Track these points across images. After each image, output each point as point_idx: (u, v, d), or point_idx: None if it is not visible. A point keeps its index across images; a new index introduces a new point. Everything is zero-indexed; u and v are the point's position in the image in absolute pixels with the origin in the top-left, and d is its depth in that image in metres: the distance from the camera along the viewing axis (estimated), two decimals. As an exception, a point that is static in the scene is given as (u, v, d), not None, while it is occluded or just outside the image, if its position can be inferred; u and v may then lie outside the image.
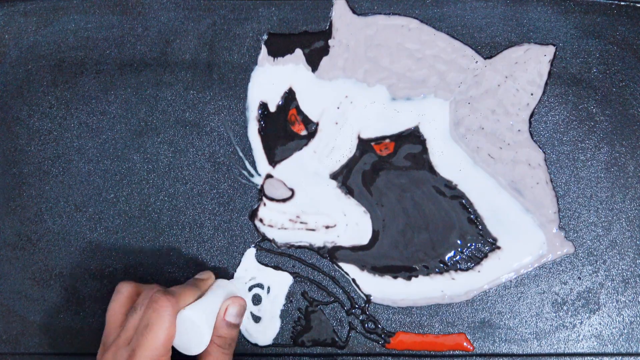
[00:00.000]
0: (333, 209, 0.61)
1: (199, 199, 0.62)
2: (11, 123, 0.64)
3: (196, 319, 0.51)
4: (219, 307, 0.54)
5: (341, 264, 0.61)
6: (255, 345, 0.61)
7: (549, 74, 0.62)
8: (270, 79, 0.63)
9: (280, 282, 0.61)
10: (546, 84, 0.62)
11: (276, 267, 0.62)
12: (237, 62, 0.63)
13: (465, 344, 0.60)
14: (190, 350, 0.52)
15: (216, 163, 0.63)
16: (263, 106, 0.63)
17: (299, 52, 0.63)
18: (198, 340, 0.52)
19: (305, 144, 0.61)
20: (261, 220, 0.62)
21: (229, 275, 0.62)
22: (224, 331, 0.54)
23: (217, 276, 0.59)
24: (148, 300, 0.51)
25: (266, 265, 0.62)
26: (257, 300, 0.62)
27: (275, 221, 0.61)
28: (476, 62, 0.62)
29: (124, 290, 0.54)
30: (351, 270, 0.61)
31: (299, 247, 0.62)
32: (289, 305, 0.61)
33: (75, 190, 0.63)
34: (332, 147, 0.61)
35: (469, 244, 0.61)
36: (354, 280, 0.61)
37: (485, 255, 0.60)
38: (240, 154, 0.62)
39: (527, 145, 0.61)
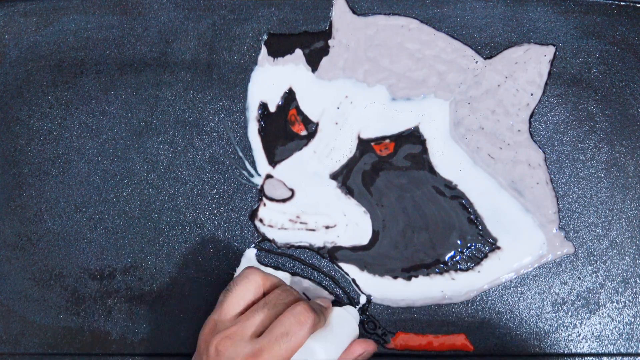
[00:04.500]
0: (333, 209, 0.61)
1: (199, 199, 0.62)
2: (11, 123, 0.64)
3: (320, 352, 0.51)
4: (345, 344, 0.54)
5: (341, 264, 0.61)
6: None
7: (549, 74, 0.62)
8: (270, 79, 0.63)
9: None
10: (546, 84, 0.62)
11: (276, 267, 0.62)
12: (237, 62, 0.63)
13: (465, 344, 0.60)
14: None
15: (216, 163, 0.63)
16: (263, 106, 0.63)
17: (299, 52, 0.63)
18: None
19: (305, 144, 0.61)
20: (261, 221, 0.62)
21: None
22: None
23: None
24: (290, 308, 0.50)
25: (266, 265, 0.62)
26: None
27: (275, 221, 0.61)
28: (476, 62, 0.62)
29: (253, 280, 0.52)
30: (351, 270, 0.61)
31: (299, 247, 0.62)
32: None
33: (75, 190, 0.63)
34: (332, 147, 0.61)
35: (469, 244, 0.61)
36: (354, 280, 0.61)
37: (485, 256, 0.60)
38: (240, 154, 0.62)
39: (527, 146, 0.61)
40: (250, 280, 0.53)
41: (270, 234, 0.62)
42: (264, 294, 0.53)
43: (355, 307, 0.60)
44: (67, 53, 0.64)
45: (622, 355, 0.60)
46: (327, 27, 0.63)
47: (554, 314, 0.60)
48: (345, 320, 0.55)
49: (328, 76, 0.62)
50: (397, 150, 0.61)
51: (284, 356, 0.49)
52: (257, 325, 0.50)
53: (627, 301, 0.60)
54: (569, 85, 0.62)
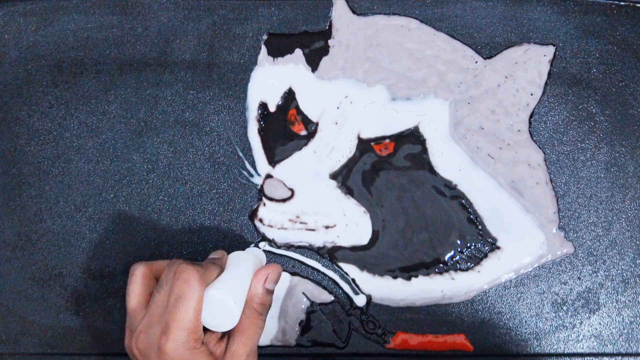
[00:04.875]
0: (333, 209, 0.61)
1: (199, 199, 0.62)
2: (11, 123, 0.64)
3: (222, 297, 0.50)
4: (248, 280, 0.53)
5: (341, 264, 0.61)
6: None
7: (549, 74, 0.62)
8: (270, 79, 0.63)
9: (279, 283, 0.61)
10: (546, 84, 0.62)
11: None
12: (237, 62, 0.63)
13: (465, 343, 0.60)
14: (221, 328, 0.51)
15: (216, 163, 0.63)
16: (263, 106, 0.63)
17: (298, 52, 0.63)
18: (228, 318, 0.51)
19: (305, 144, 0.61)
20: (261, 221, 0.62)
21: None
22: (263, 298, 0.53)
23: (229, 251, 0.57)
24: (174, 273, 0.50)
25: (266, 265, 0.62)
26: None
27: (275, 221, 0.61)
28: (476, 62, 0.62)
29: (138, 272, 0.53)
30: (351, 270, 0.61)
31: (299, 247, 0.62)
32: (288, 305, 0.61)
33: (75, 190, 0.63)
34: (332, 147, 0.61)
35: (468, 244, 0.61)
36: (353, 280, 0.61)
37: (485, 255, 0.60)
38: (240, 154, 0.62)
39: (527, 145, 0.61)
40: (136, 274, 0.53)
41: (270, 233, 0.62)
42: (158, 280, 0.53)
43: (260, 247, 0.60)
44: (67, 53, 0.64)
45: (622, 355, 0.60)
46: (327, 27, 0.63)
47: (554, 314, 0.60)
48: (242, 259, 0.55)
49: (328, 76, 0.62)
50: (397, 150, 0.61)
51: (190, 317, 0.49)
52: (160, 306, 0.50)
53: (627, 301, 0.60)
54: (569, 85, 0.62)
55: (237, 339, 0.52)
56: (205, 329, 0.51)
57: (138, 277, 0.53)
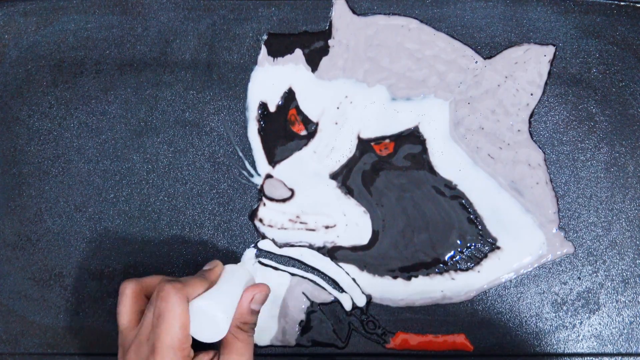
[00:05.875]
0: (333, 209, 0.61)
1: (199, 199, 0.62)
2: (11, 123, 0.64)
3: (208, 308, 0.51)
4: (238, 294, 0.54)
5: (341, 264, 0.61)
6: (255, 345, 0.61)
7: (549, 74, 0.62)
8: (270, 79, 0.63)
9: (279, 283, 0.61)
10: (546, 84, 0.62)
11: (276, 268, 0.61)
12: (237, 62, 0.63)
13: (465, 343, 0.60)
14: (209, 339, 0.51)
15: (216, 163, 0.63)
16: (263, 106, 0.63)
17: (298, 52, 0.63)
18: (215, 330, 0.51)
19: (305, 144, 0.61)
20: (261, 221, 0.62)
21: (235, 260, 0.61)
22: (249, 318, 0.54)
23: (225, 262, 0.58)
24: (156, 292, 0.50)
25: (266, 265, 0.62)
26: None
27: (275, 221, 0.61)
28: (476, 62, 0.62)
29: (127, 291, 0.53)
30: (351, 270, 0.61)
31: (299, 247, 0.61)
32: (288, 305, 0.61)
33: (75, 190, 0.63)
34: (332, 147, 0.61)
35: (468, 244, 0.61)
36: (354, 280, 0.61)
37: (485, 255, 0.60)
38: (240, 154, 0.62)
39: (527, 145, 0.61)
40: (125, 293, 0.53)
41: (270, 233, 0.62)
42: (149, 297, 0.54)
43: (252, 262, 0.61)
44: (67, 53, 0.64)
45: (622, 355, 0.60)
46: (327, 27, 0.63)
47: (554, 314, 0.60)
48: (236, 273, 0.55)
49: (328, 76, 0.62)
50: (397, 150, 0.61)
51: (173, 333, 0.49)
52: (147, 326, 0.50)
53: (627, 301, 0.60)
54: (569, 85, 0.62)
55: (227, 357, 0.52)
56: (197, 349, 0.51)
57: (128, 297, 0.53)
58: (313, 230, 0.61)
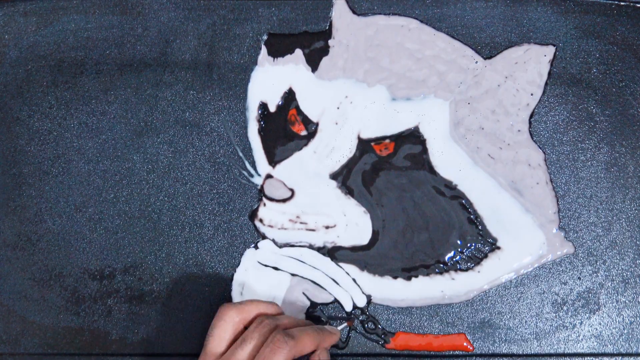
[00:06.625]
0: (333, 209, 0.61)
1: (199, 199, 0.62)
2: (11, 123, 0.64)
3: None
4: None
5: (341, 264, 0.61)
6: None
7: (549, 74, 0.62)
8: (270, 79, 0.63)
9: (279, 283, 0.61)
10: (546, 84, 0.62)
11: (276, 268, 0.61)
12: (237, 62, 0.63)
13: (465, 344, 0.60)
14: None
15: (216, 163, 0.63)
16: (263, 106, 0.63)
17: (299, 52, 0.63)
18: None
19: (305, 144, 0.61)
20: (261, 221, 0.62)
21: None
22: None
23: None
24: (268, 339, 0.51)
25: (266, 265, 0.62)
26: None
27: (275, 221, 0.61)
28: (476, 62, 0.62)
29: (228, 319, 0.53)
30: (351, 270, 0.61)
31: (299, 247, 0.61)
32: (288, 305, 0.61)
33: (75, 190, 0.63)
34: (332, 147, 0.61)
35: (469, 244, 0.61)
36: (354, 280, 0.61)
37: (485, 256, 0.60)
38: (240, 154, 0.62)
39: (527, 146, 0.61)
40: (226, 320, 0.53)
41: (270, 234, 0.62)
42: (246, 327, 0.54)
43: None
44: (67, 53, 0.64)
45: (622, 355, 0.60)
46: (327, 27, 0.63)
47: (554, 314, 0.60)
48: None
49: (328, 76, 0.62)
50: (397, 150, 0.61)
51: None
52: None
53: (627, 301, 0.60)
54: (569, 85, 0.62)
55: None
56: None
57: (227, 323, 0.53)
58: (313, 230, 0.61)
